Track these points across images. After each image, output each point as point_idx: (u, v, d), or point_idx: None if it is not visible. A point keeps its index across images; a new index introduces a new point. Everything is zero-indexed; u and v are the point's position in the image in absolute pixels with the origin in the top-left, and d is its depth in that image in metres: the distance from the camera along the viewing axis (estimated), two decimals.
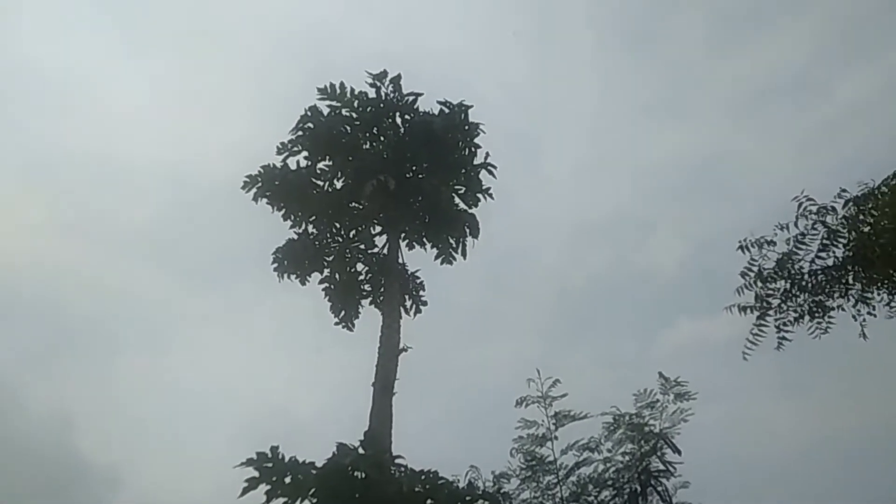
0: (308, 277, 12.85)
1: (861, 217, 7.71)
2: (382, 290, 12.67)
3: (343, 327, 13.06)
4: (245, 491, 7.54)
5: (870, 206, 7.61)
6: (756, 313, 8.45)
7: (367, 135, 13.12)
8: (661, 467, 10.90)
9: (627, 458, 11.21)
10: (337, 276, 12.99)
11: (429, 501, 8.47)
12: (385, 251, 12.87)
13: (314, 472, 7.74)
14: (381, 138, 13.04)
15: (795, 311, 8.40)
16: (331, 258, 13.06)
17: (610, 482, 11.06)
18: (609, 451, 11.54)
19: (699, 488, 11.01)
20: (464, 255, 13.12)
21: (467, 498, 9.01)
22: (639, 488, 10.65)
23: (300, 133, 12.60)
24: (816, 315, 8.36)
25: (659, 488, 10.61)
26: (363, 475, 8.12)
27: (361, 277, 13.16)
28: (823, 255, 7.96)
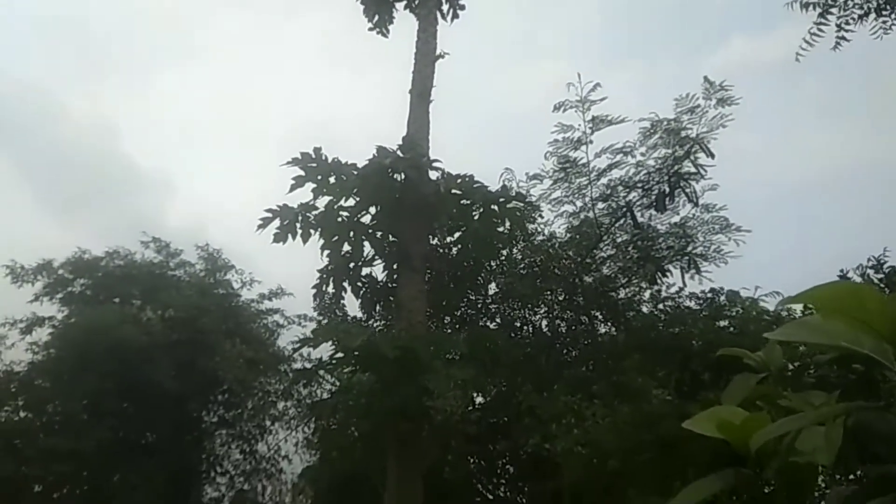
0: None
1: None
2: None
3: (377, 33, 12.65)
4: (293, 188, 8.13)
5: None
6: (818, 10, 7.94)
7: None
8: (693, 170, 11.16)
9: (660, 162, 11.45)
10: None
11: (463, 201, 9.03)
12: None
13: (356, 172, 8.21)
14: None
15: (861, 9, 7.81)
16: None
17: (640, 184, 11.46)
18: (642, 154, 11.74)
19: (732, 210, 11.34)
20: None
21: (501, 199, 9.54)
22: (667, 189, 11.05)
23: None
24: (884, 11, 7.77)
25: (687, 189, 10.99)
26: (402, 176, 8.58)
27: None
28: None
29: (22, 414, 16.20)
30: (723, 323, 13.26)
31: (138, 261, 19.06)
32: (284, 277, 20.51)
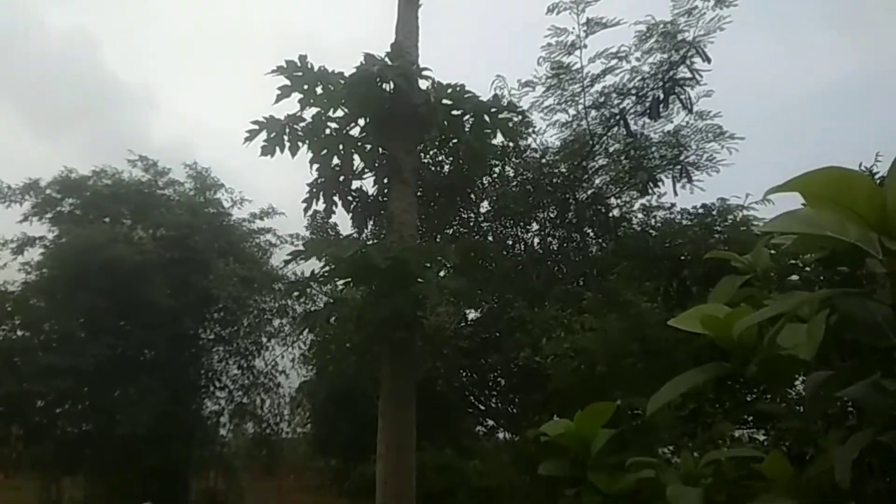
0: None
1: None
2: None
3: None
4: (279, 98, 7.92)
5: None
6: None
7: None
8: (688, 75, 10.93)
9: (655, 67, 11.19)
10: None
11: (454, 112, 8.80)
12: None
13: (343, 81, 7.98)
14: None
15: None
16: None
17: (634, 91, 11.23)
18: (637, 60, 11.45)
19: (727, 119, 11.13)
20: None
21: (493, 109, 9.31)
22: (661, 95, 10.84)
23: None
24: None
25: (682, 96, 10.79)
26: (391, 86, 8.34)
27: None
28: None
29: (20, 333, 16.38)
30: (713, 238, 13.36)
31: (126, 180, 18.84)
32: (275, 198, 20.42)
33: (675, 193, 13.34)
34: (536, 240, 20.83)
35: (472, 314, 19.98)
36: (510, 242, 19.88)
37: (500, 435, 21.83)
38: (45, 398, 15.69)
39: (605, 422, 2.39)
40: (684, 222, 15.92)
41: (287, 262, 7.21)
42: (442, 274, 7.51)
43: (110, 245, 15.60)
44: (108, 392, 16.34)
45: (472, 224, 19.61)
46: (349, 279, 7.18)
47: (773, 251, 2.50)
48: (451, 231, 16.30)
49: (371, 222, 8.95)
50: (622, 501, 2.44)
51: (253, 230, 20.01)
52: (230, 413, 20.35)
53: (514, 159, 18.57)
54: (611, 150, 13.92)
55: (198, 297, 16.97)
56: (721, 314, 2.00)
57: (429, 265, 6.92)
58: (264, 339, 20.40)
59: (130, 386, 16.19)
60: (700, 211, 16.30)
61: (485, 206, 20.00)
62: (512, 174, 19.16)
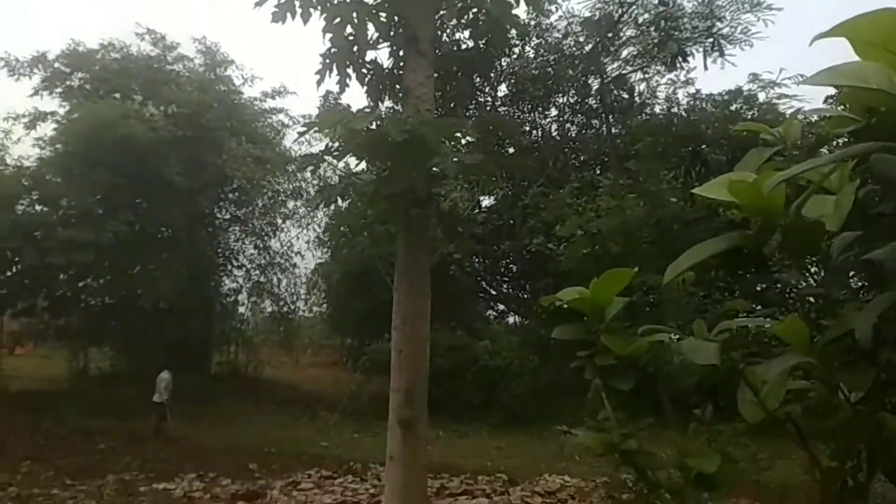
0: None
1: None
2: None
3: None
4: None
5: None
6: None
7: None
8: None
9: None
10: None
11: None
12: None
13: None
14: None
15: None
16: None
17: None
18: None
19: None
20: None
21: None
22: None
23: None
24: None
25: None
26: None
27: None
28: None
29: (38, 208, 16.57)
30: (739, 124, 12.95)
31: (135, 54, 18.35)
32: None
33: (706, 68, 12.80)
34: (554, 126, 20.40)
35: (486, 201, 19.95)
36: (527, 128, 19.49)
37: (511, 319, 22.44)
38: (67, 272, 16.09)
39: (622, 290, 2.35)
40: (709, 108, 15.42)
41: (301, 135, 7.05)
42: (457, 147, 7.35)
43: (122, 122, 15.41)
44: (128, 267, 16.72)
45: (489, 108, 19.13)
46: (364, 156, 7.05)
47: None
48: (467, 114, 15.94)
49: (386, 97, 8.69)
50: (634, 363, 2.45)
51: (265, 110, 19.68)
52: (248, 291, 20.91)
53: (534, 39, 17.83)
54: (640, 20, 13.21)
55: (212, 176, 16.94)
56: (749, 180, 1.89)
57: (445, 142, 6.76)
58: (279, 221, 20.59)
59: (150, 262, 16.53)
60: (726, 97, 15.76)
61: (502, 90, 19.47)
62: (532, 55, 18.47)
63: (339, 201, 8.53)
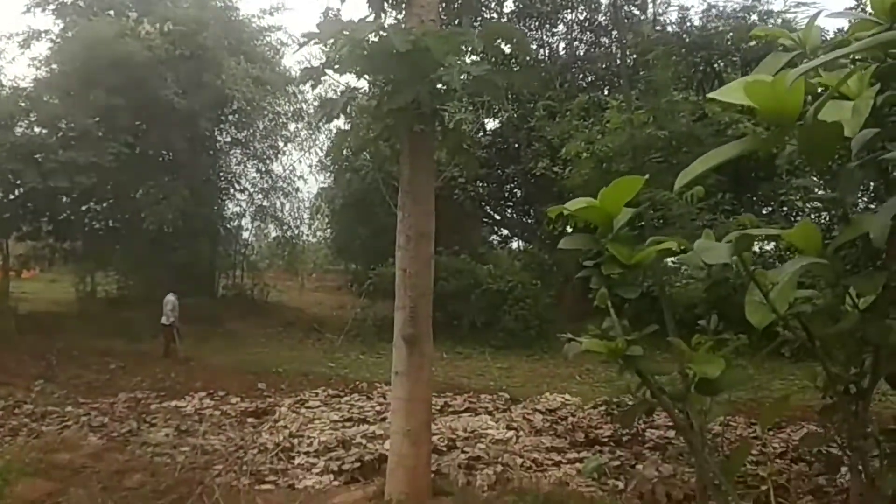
0: None
1: None
2: None
3: None
4: None
5: None
6: None
7: None
8: None
9: None
10: None
11: None
12: None
13: None
14: None
15: None
16: None
17: None
18: None
19: None
20: None
21: None
22: None
23: None
24: None
25: None
26: None
27: None
28: None
29: (37, 129, 16.31)
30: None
31: None
32: None
33: None
34: (562, 44, 19.78)
35: (490, 124, 19.57)
36: (535, 47, 18.90)
37: (514, 244, 22.47)
38: (69, 195, 16.00)
39: (630, 199, 2.27)
40: (720, 27, 14.90)
41: (301, 45, 6.78)
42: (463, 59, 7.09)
43: (118, 40, 14.96)
44: (130, 190, 16.63)
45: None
46: (366, 68, 6.81)
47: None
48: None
49: (389, 4, 8.34)
50: (640, 273, 2.40)
51: (263, 28, 19.08)
52: (251, 215, 20.87)
53: None
54: None
55: (211, 97, 16.58)
56: (767, 81, 1.77)
57: (450, 54, 6.50)
58: (281, 144, 20.32)
59: (152, 185, 16.41)
60: (740, 13, 15.20)
61: (509, 6, 18.76)
62: None
63: (341, 118, 8.35)
